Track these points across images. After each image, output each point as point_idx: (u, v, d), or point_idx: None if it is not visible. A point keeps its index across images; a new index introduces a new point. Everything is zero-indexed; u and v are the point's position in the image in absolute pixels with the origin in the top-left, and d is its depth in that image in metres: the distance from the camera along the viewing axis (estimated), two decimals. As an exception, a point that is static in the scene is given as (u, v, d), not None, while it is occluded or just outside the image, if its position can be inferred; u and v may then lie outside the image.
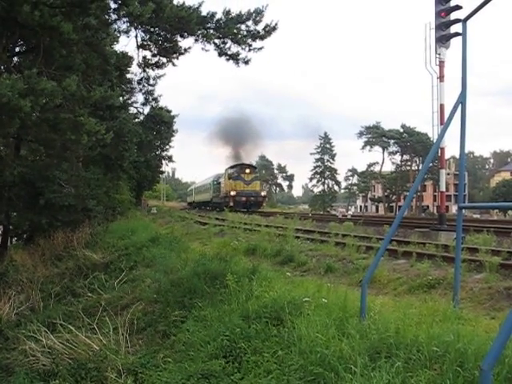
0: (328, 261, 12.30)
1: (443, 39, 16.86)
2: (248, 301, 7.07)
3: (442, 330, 4.98)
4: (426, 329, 4.98)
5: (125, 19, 14.85)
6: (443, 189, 16.43)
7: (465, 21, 6.50)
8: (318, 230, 18.81)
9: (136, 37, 17.28)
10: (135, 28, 16.78)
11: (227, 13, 16.21)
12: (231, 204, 41.98)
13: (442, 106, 16.95)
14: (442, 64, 17.08)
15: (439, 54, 16.98)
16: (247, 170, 45.70)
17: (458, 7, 16.60)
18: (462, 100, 6.31)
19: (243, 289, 7.67)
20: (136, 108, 32.63)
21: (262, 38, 16.54)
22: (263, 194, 47.41)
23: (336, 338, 4.96)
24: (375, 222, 22.73)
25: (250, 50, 16.76)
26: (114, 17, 14.22)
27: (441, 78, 17.11)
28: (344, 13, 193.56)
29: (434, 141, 15.62)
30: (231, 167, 48.41)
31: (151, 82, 23.14)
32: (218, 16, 16.34)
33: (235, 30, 16.33)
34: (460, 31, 6.74)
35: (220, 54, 17.01)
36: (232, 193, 43.40)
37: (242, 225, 23.53)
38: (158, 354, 7.25)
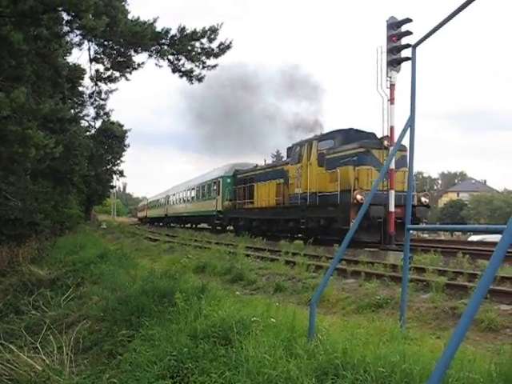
0: (277, 279, 12.31)
1: (394, 63, 17.25)
2: (196, 320, 6.98)
3: (388, 350, 5.01)
4: (373, 349, 5.01)
5: (78, 32, 14.65)
6: (392, 209, 16.69)
7: (414, 46, 6.64)
8: (268, 248, 18.83)
9: (89, 50, 17.06)
10: (88, 41, 16.56)
11: (182, 29, 16.18)
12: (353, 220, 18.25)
13: (392, 128, 17.32)
14: (392, 87, 17.45)
15: (390, 77, 17.35)
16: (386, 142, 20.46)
17: (408, 33, 17.04)
18: (410, 124, 6.43)
19: (192, 307, 7.57)
20: (87, 121, 32.14)
21: (216, 55, 16.55)
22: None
23: (284, 359, 4.94)
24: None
25: (203, 67, 16.75)
26: (66, 29, 14.01)
27: (391, 100, 17.47)
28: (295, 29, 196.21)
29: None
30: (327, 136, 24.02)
31: (103, 96, 22.78)
32: (173, 32, 16.28)
33: (189, 47, 16.29)
34: (410, 56, 6.88)
35: (174, 71, 16.93)
36: (359, 196, 18.89)
37: (192, 242, 23.40)
38: (104, 374, 7.07)
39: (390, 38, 17.22)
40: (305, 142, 24.45)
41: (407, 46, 16.82)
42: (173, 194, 55.50)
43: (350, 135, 22.41)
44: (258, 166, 32.30)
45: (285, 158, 28.83)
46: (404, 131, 6.56)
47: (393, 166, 16.75)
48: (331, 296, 10.05)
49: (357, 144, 20.68)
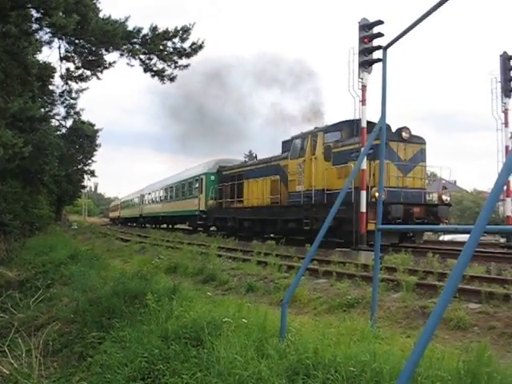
0: (249, 280, 12.31)
1: (366, 64, 17.35)
2: (168, 321, 6.96)
3: (359, 349, 5.04)
4: (344, 348, 5.03)
5: (47, 29, 14.46)
6: (364, 210, 16.80)
7: (385, 48, 6.69)
8: (240, 249, 18.82)
9: (59, 48, 16.82)
10: (59, 39, 16.34)
11: (154, 29, 16.06)
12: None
13: (363, 130, 17.42)
14: (364, 88, 17.55)
15: (362, 79, 17.45)
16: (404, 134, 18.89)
17: (380, 34, 17.16)
18: (381, 125, 6.49)
19: (163, 308, 7.54)
20: (58, 121, 31.76)
21: (188, 55, 16.47)
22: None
23: (255, 359, 4.94)
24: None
25: (175, 67, 16.66)
26: (35, 26, 13.82)
27: (363, 101, 17.58)
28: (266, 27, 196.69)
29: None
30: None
31: (74, 95, 22.53)
32: (145, 31, 16.15)
33: (161, 47, 16.18)
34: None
35: (145, 70, 16.80)
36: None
37: (164, 242, 23.28)
38: (74, 376, 7.00)
39: (361, 40, 17.31)
40: (307, 133, 22.28)
41: (379, 47, 16.93)
42: (148, 192, 52.90)
43: (359, 126, 19.46)
44: (248, 161, 30.04)
45: (277, 153, 26.21)
46: (375, 132, 6.62)
47: (364, 166, 16.81)
48: (303, 296, 10.07)
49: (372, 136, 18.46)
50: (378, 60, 16.65)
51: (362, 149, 16.02)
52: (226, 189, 30.51)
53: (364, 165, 16.71)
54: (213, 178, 33.61)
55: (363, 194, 16.91)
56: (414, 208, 17.97)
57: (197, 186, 35.79)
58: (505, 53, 21.01)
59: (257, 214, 25.98)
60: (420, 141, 19.25)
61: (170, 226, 45.48)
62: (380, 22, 17.17)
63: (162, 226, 47.12)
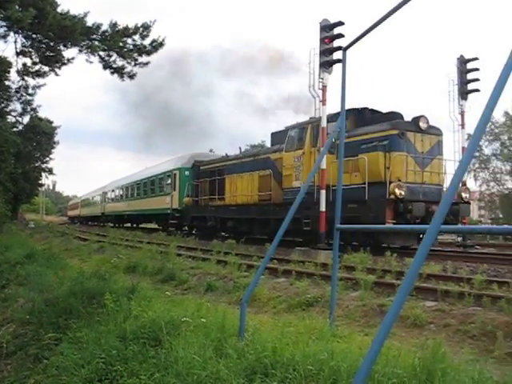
0: (209, 279, 12.31)
1: (326, 65, 17.46)
2: (126, 321, 6.87)
3: (317, 348, 5.07)
4: (303, 347, 5.05)
5: (3, 23, 14.15)
6: (323, 209, 16.91)
7: (345, 49, 6.74)
8: (200, 248, 18.76)
9: (15, 42, 16.53)
10: (15, 33, 16.04)
11: (114, 25, 15.90)
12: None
13: (323, 129, 17.54)
14: (324, 88, 17.67)
15: (322, 79, 17.57)
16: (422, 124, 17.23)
17: (341, 35, 17.30)
18: (340, 125, 6.54)
19: (121, 309, 7.45)
20: (14, 117, 31.15)
21: (149, 53, 16.38)
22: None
23: (213, 359, 4.92)
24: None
25: (135, 64, 16.53)
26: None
27: (323, 101, 17.70)
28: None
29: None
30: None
31: (30, 91, 22.13)
32: (104, 28, 16.00)
33: (121, 44, 16.05)
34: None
35: (105, 67, 16.64)
36: (397, 190, 15.66)
37: (123, 241, 23.04)
38: (29, 379, 6.85)
39: (322, 40, 17.43)
40: (307, 123, 20.18)
41: (339, 48, 17.05)
42: (111, 190, 50.46)
43: (364, 116, 19.22)
44: (230, 155, 27.63)
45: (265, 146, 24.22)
46: (334, 132, 6.67)
47: (324, 165, 16.93)
48: (262, 295, 10.10)
49: (388, 125, 17.02)
50: (338, 61, 16.79)
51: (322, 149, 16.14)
52: (203, 185, 28.34)
53: (324, 164, 16.84)
54: (187, 173, 31.33)
55: (323, 193, 17.01)
56: (432, 206, 16.08)
57: (169, 182, 33.47)
58: (462, 56, 21.47)
59: (243, 212, 23.65)
60: (437, 132, 17.81)
61: (135, 226, 43.80)
62: (341, 23, 17.30)
63: (125, 225, 45.28)
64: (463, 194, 17.49)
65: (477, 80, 21.27)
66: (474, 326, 7.21)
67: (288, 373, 4.49)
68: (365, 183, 16.26)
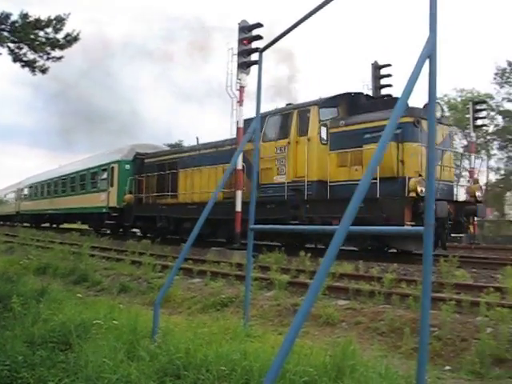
0: (123, 280, 12.10)
1: (244, 66, 17.57)
2: (34, 325, 6.59)
3: (230, 348, 5.08)
4: (216, 348, 5.04)
5: None
6: (239, 209, 16.95)
7: (261, 51, 6.83)
8: (114, 248, 18.41)
9: None
10: None
11: (24, 16, 15.23)
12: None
13: (240, 130, 17.61)
14: (241, 89, 17.75)
15: (240, 79, 17.65)
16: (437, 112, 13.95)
17: (259, 37, 17.45)
18: (255, 126, 6.59)
19: (30, 312, 7.15)
20: None
21: (62, 47, 15.83)
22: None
23: (125, 362, 4.81)
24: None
25: (48, 58, 15.94)
26: None
27: (240, 102, 17.78)
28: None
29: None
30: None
31: None
32: (14, 18, 15.30)
33: (33, 36, 15.43)
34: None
35: (15, 60, 15.92)
36: (419, 187, 13.32)
37: (34, 242, 22.25)
38: None
39: (241, 41, 17.53)
40: (292, 108, 17.85)
41: (257, 49, 17.16)
42: (29, 186, 45.39)
43: (360, 101, 17.16)
44: (184, 146, 24.08)
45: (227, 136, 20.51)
46: (249, 133, 6.72)
47: (239, 166, 17.01)
48: (177, 296, 10.03)
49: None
50: (255, 62, 16.91)
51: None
52: (150, 180, 25.09)
53: (239, 164, 16.91)
54: (128, 167, 27.72)
55: (239, 193, 17.07)
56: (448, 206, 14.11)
57: (104, 176, 29.48)
58: (376, 62, 22.24)
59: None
60: (449, 122, 16.07)
61: (56, 226, 39.44)
62: (259, 25, 17.45)
63: (45, 225, 40.97)
64: (477, 193, 15.49)
65: (389, 86, 22.06)
66: (383, 323, 7.45)
67: (201, 374, 4.47)
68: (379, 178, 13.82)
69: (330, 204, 15.26)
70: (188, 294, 10.37)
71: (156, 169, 24.76)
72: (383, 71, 22.41)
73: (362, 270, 11.66)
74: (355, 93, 17.61)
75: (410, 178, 13.64)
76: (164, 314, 7.58)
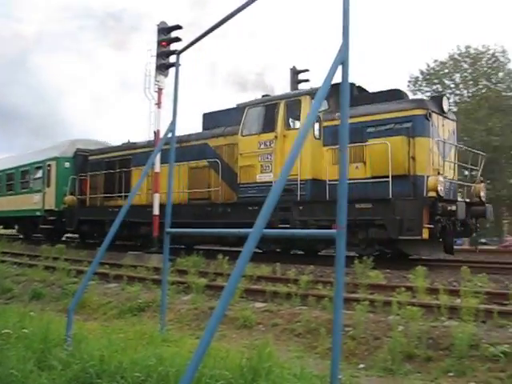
0: (35, 286, 11.71)
1: (162, 68, 17.45)
2: None
3: (147, 353, 5.00)
4: (131, 354, 4.96)
5: None
6: (157, 213, 16.76)
7: (178, 54, 6.85)
8: (27, 253, 17.79)
9: None
10: None
11: None
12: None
13: (158, 132, 17.50)
14: (160, 91, 17.66)
15: (158, 81, 17.53)
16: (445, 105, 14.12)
17: (178, 39, 17.37)
18: (171, 129, 6.57)
19: None
20: None
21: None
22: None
23: (35, 372, 4.64)
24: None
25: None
26: None
27: (159, 104, 17.67)
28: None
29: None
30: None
31: None
32: None
33: None
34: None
35: None
36: (440, 186, 12.21)
37: None
38: None
39: (159, 43, 17.40)
40: (278, 98, 15.92)
41: (175, 51, 17.05)
42: None
43: (352, 94, 13.18)
44: (138, 142, 21.36)
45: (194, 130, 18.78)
46: (165, 135, 6.72)
47: (157, 169, 16.85)
48: (92, 302, 9.81)
49: (411, 103, 13.87)
50: (173, 64, 16.82)
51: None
52: (96, 180, 22.45)
53: (157, 167, 16.73)
54: (68, 164, 24.61)
55: (156, 196, 16.89)
56: (453, 206, 13.03)
57: (39, 176, 25.99)
58: (294, 67, 22.62)
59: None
60: (454, 117, 15.08)
61: None
62: (178, 27, 17.38)
63: None
64: (482, 193, 14.40)
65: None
66: (299, 324, 7.57)
67: (115, 381, 4.38)
68: (371, 177, 13.25)
69: (329, 206, 13.49)
70: (104, 299, 10.15)
71: (104, 167, 22.04)
72: (301, 76, 22.78)
73: (279, 273, 11.78)
74: (350, 83, 16.20)
75: (428, 177, 12.52)
76: (79, 321, 7.39)
